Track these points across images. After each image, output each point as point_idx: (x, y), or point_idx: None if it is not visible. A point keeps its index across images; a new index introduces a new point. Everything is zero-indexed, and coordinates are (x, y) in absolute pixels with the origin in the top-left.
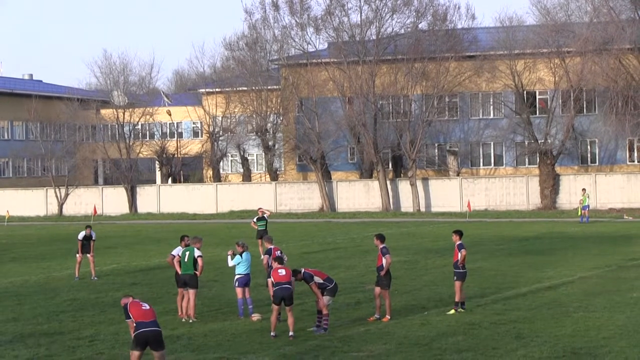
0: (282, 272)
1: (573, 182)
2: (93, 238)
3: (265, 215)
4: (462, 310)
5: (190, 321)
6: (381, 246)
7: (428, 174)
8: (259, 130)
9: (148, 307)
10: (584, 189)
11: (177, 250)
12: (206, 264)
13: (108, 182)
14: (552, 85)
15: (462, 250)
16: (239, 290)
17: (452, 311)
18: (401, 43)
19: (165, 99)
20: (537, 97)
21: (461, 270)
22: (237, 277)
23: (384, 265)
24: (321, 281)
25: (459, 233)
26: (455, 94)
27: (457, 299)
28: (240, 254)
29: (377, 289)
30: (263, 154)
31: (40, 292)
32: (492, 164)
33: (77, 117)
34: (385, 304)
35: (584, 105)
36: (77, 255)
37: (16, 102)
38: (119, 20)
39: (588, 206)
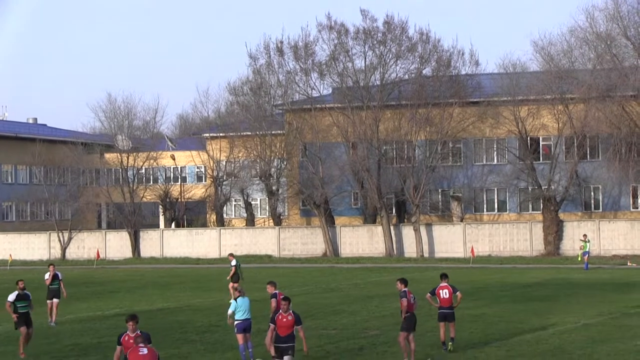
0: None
1: (577, 229)
2: (60, 278)
3: (232, 263)
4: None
5: None
6: (402, 290)
7: (431, 219)
8: (262, 175)
9: (147, 351)
10: (584, 235)
11: (12, 296)
12: (208, 309)
13: (111, 226)
14: (556, 132)
15: (427, 294)
16: (239, 337)
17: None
18: (405, 89)
19: (169, 143)
20: (541, 143)
21: (439, 312)
22: (235, 322)
23: (403, 309)
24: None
25: (445, 276)
26: (459, 140)
27: (442, 339)
28: (235, 299)
29: (401, 334)
30: (267, 198)
31: (42, 336)
32: (496, 210)
33: (81, 161)
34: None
35: (588, 152)
36: (48, 301)
37: (20, 146)
38: (124, 64)
39: (588, 252)
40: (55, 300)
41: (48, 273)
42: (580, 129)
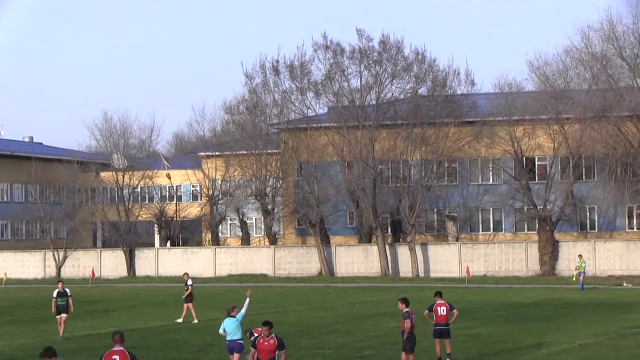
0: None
1: (572, 249)
2: (69, 294)
3: (188, 282)
4: None
5: None
6: (404, 310)
7: (427, 239)
8: (258, 194)
9: (118, 358)
10: (580, 255)
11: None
12: (203, 328)
13: (107, 245)
14: (551, 152)
15: (425, 311)
16: (230, 357)
17: None
18: (401, 108)
19: (165, 162)
20: (536, 163)
21: (434, 328)
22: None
23: (405, 329)
24: None
25: (439, 294)
26: (455, 160)
27: (438, 355)
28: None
29: (403, 354)
30: (262, 217)
31: (36, 355)
32: (491, 230)
33: (76, 180)
34: None
35: (583, 172)
36: (57, 316)
37: (16, 165)
38: (120, 83)
39: (584, 273)
40: (63, 315)
41: (57, 290)
42: (576, 149)
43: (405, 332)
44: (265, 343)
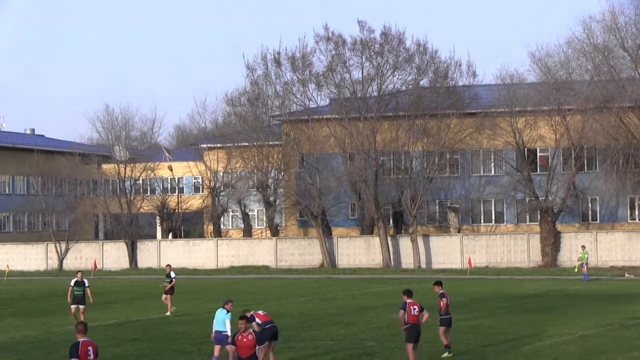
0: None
1: (574, 240)
2: (86, 285)
3: (171, 274)
4: (448, 354)
5: None
6: (403, 301)
7: (429, 230)
8: (260, 186)
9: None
10: (583, 246)
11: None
12: (206, 320)
13: (108, 237)
14: (553, 143)
15: (443, 298)
16: (215, 347)
17: (445, 354)
18: (402, 100)
19: (167, 154)
20: (538, 154)
21: (444, 317)
22: None
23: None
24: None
25: (440, 283)
26: (456, 151)
27: (445, 343)
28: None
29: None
30: (264, 209)
31: (39, 347)
32: (493, 221)
33: (78, 172)
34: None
35: (585, 163)
36: (72, 306)
37: (18, 157)
38: (121, 75)
39: (586, 264)
40: (80, 306)
41: (75, 279)
42: (578, 140)
43: (401, 322)
44: (244, 340)
